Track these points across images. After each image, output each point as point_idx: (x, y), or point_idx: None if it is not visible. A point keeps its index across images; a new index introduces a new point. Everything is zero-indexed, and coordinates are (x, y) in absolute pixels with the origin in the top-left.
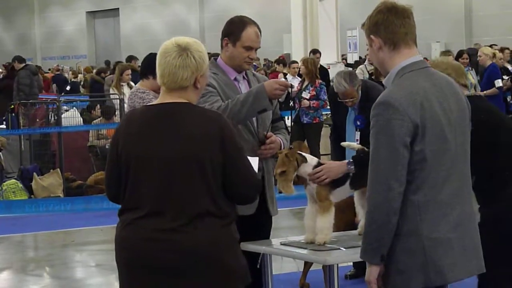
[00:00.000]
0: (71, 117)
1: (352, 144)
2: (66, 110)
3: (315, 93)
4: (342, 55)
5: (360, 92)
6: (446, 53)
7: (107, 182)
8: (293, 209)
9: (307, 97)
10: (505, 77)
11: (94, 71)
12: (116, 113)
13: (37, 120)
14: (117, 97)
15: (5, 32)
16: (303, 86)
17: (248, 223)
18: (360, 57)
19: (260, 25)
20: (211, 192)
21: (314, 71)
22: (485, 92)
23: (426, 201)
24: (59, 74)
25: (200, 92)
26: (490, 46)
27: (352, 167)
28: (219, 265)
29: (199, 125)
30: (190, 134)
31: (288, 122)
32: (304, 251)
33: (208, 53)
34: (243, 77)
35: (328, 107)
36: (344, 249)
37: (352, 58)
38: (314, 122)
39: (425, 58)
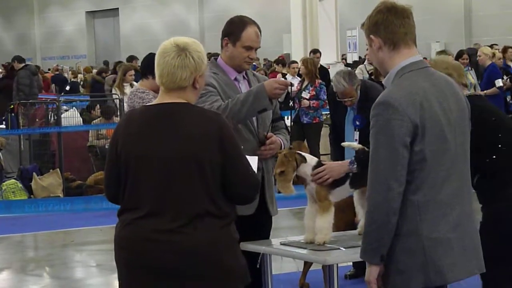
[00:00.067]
0: (71, 117)
1: (352, 144)
2: (66, 110)
3: (315, 93)
4: (342, 55)
5: (359, 92)
6: (441, 52)
7: (106, 182)
8: (293, 209)
9: (307, 97)
10: (505, 77)
11: (95, 71)
12: (117, 113)
13: (37, 120)
14: (118, 97)
15: (4, 32)
16: (303, 86)
17: (248, 223)
18: (360, 57)
19: (260, 25)
20: (210, 192)
21: (314, 71)
22: (485, 91)
23: (425, 201)
24: (59, 74)
25: (199, 92)
26: (491, 46)
27: (355, 166)
28: (218, 265)
29: (198, 125)
30: (189, 134)
31: (288, 122)
32: (304, 251)
33: (209, 53)
34: (243, 77)
35: (328, 107)
36: (343, 249)
37: (352, 58)
38: (314, 122)
39: (425, 58)
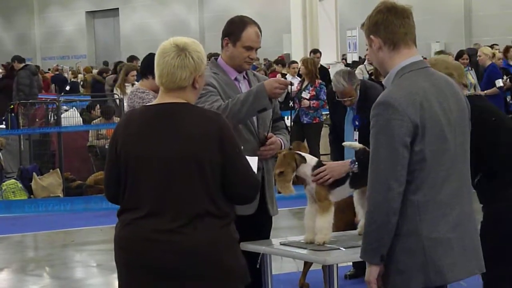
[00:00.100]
0: (71, 117)
1: (353, 143)
2: (66, 110)
3: (315, 93)
4: (343, 55)
5: (358, 91)
6: (440, 53)
7: (106, 182)
8: (293, 209)
9: (307, 97)
10: (505, 77)
11: (94, 71)
12: (117, 113)
13: (37, 120)
14: (118, 97)
15: (4, 32)
16: (303, 86)
17: (248, 223)
18: (360, 57)
19: (260, 25)
20: (210, 192)
21: (314, 71)
22: (485, 91)
23: (425, 201)
24: (58, 74)
25: (199, 92)
26: (491, 46)
27: (355, 166)
28: (218, 265)
29: (198, 125)
30: (189, 134)
31: (288, 122)
32: (304, 251)
33: (210, 54)
34: (244, 77)
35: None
36: (343, 249)
37: (352, 58)
38: (314, 122)
39: (424, 58)
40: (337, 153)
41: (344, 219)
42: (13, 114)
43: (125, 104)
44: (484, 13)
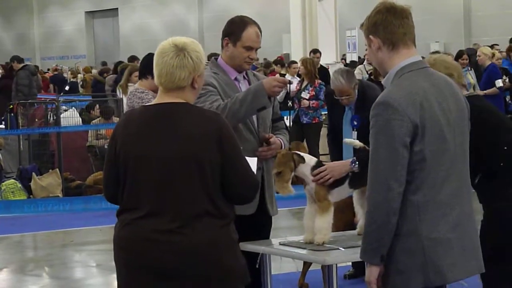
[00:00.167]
0: (70, 117)
1: (354, 141)
2: (65, 110)
3: (314, 93)
4: (343, 55)
5: (356, 91)
6: (435, 53)
7: (105, 182)
8: (292, 209)
9: (307, 97)
10: (504, 76)
11: (94, 71)
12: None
13: (36, 120)
14: (117, 97)
15: (4, 32)
16: (302, 86)
17: (247, 223)
18: (359, 57)
19: (260, 25)
20: (210, 192)
21: (313, 71)
22: (485, 91)
23: (425, 201)
24: (57, 74)
25: (198, 92)
26: (492, 46)
27: (356, 166)
28: (218, 265)
29: (198, 125)
30: (188, 134)
31: (287, 122)
32: (303, 251)
33: (210, 54)
34: (244, 77)
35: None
36: (343, 249)
37: (351, 58)
38: (314, 122)
39: (423, 58)
40: (336, 153)
41: (344, 219)
42: (12, 114)
43: (124, 104)
44: (484, 13)
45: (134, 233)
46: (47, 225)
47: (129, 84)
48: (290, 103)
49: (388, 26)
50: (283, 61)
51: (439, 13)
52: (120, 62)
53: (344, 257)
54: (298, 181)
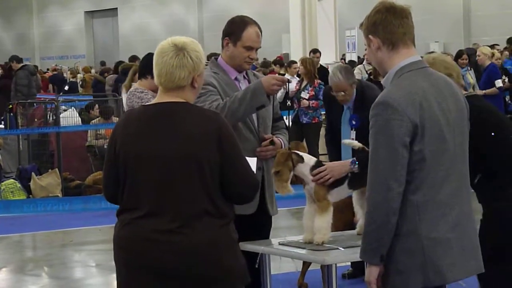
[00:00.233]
0: (70, 117)
1: (353, 142)
2: (65, 110)
3: (314, 93)
4: (342, 55)
5: (354, 90)
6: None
7: (104, 182)
8: (291, 209)
9: (306, 97)
10: (504, 76)
11: (93, 71)
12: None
13: (36, 120)
14: (119, 97)
15: (3, 32)
16: (302, 86)
17: (247, 223)
18: (358, 57)
19: (259, 25)
20: (210, 192)
21: (313, 71)
22: (484, 91)
23: (425, 201)
24: (57, 74)
25: (198, 91)
26: (492, 46)
27: (356, 166)
28: (218, 265)
29: (198, 124)
30: (189, 134)
31: (286, 122)
32: (303, 251)
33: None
34: (244, 77)
35: None
36: (342, 249)
37: (350, 58)
38: (313, 122)
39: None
40: (334, 153)
41: (343, 219)
42: (11, 114)
43: (124, 104)
44: (483, 13)
45: (134, 233)
46: (47, 225)
47: (133, 84)
48: (289, 103)
49: (388, 26)
50: (283, 61)
51: (439, 13)
52: (121, 62)
53: (343, 257)
54: (297, 180)
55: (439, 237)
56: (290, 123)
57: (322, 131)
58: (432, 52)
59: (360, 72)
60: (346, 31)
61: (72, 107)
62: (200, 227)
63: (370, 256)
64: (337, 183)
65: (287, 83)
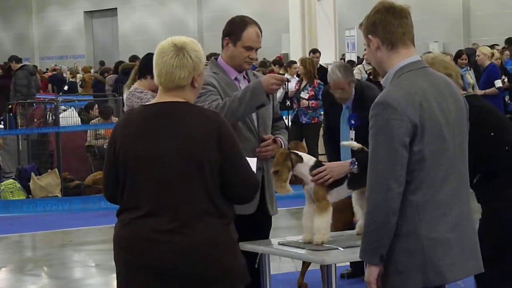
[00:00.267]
0: (69, 117)
1: (352, 143)
2: (64, 110)
3: (313, 93)
4: (342, 55)
5: (353, 90)
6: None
7: (104, 182)
8: (291, 209)
9: (306, 97)
10: (503, 76)
11: (93, 70)
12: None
13: (35, 120)
14: (119, 97)
15: (3, 32)
16: (302, 86)
17: (247, 223)
18: (358, 57)
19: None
20: (209, 192)
21: (312, 71)
22: (484, 91)
23: (425, 201)
24: (56, 74)
25: (198, 91)
26: (491, 46)
27: (355, 167)
28: (218, 265)
29: (198, 124)
30: (189, 134)
31: (286, 122)
32: (302, 251)
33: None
34: (244, 77)
35: None
36: (342, 249)
37: (350, 58)
38: (313, 122)
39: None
40: (332, 153)
41: (343, 219)
42: (11, 114)
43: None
44: (483, 13)
45: (134, 233)
46: (46, 225)
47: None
48: (288, 103)
49: (387, 26)
50: (282, 61)
51: (438, 13)
52: (121, 62)
53: (343, 257)
54: (297, 180)
55: (439, 237)
56: (290, 123)
57: (322, 131)
58: (428, 53)
59: (359, 72)
60: (346, 31)
61: (72, 107)
62: (200, 227)
63: (370, 256)
64: (337, 183)
65: (286, 83)
